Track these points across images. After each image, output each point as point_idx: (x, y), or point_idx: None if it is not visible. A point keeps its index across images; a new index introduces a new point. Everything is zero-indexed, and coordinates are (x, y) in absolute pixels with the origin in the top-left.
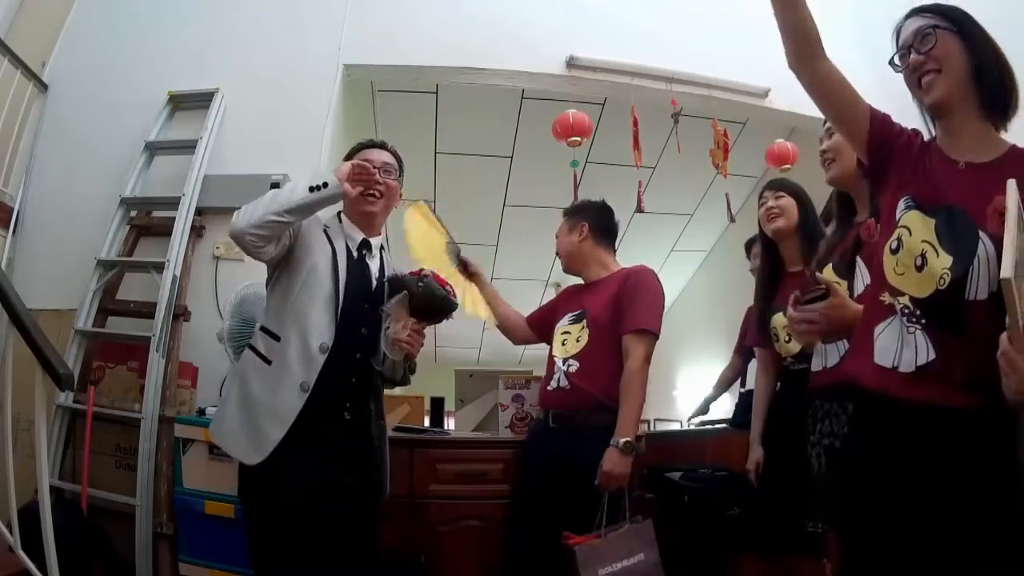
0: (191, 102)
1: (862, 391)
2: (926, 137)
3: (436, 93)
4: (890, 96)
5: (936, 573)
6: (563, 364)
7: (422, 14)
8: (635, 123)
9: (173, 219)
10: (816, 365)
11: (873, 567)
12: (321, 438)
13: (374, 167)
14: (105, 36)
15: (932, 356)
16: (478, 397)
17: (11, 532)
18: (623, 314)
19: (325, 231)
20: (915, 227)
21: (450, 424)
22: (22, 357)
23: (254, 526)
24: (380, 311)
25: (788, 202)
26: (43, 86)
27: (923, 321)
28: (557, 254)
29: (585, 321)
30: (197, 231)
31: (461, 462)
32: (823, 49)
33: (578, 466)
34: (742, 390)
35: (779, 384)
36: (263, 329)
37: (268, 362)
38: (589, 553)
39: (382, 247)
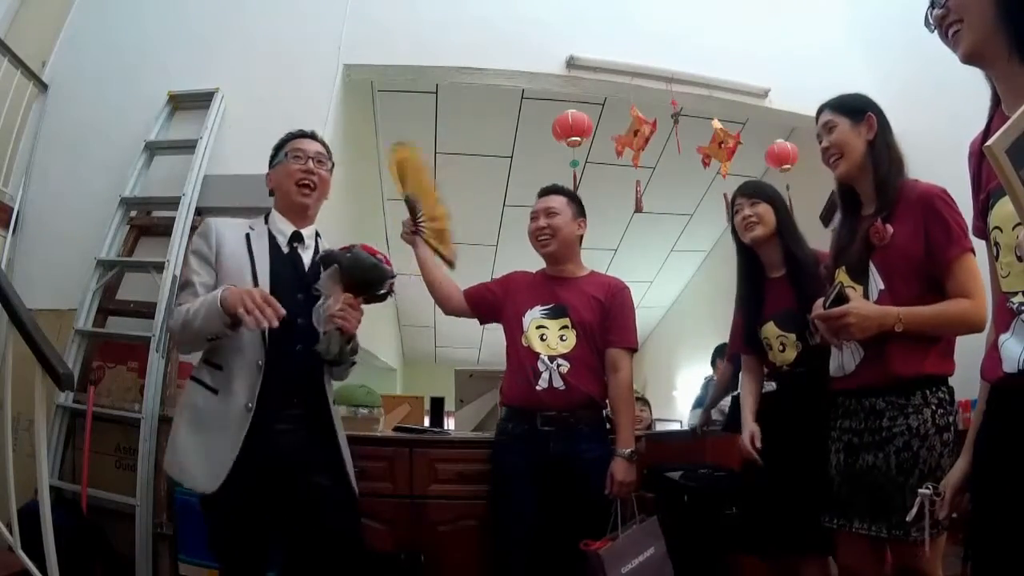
0: (191, 102)
1: (994, 388)
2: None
3: (436, 93)
4: (890, 95)
5: None
6: (551, 362)
7: (422, 14)
8: (642, 121)
9: (173, 219)
10: (835, 370)
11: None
12: (273, 450)
13: (307, 156)
14: (105, 36)
15: None
16: (478, 397)
17: (11, 532)
18: (613, 328)
19: (247, 237)
20: (1004, 219)
21: (450, 424)
22: (22, 357)
23: (221, 546)
24: (314, 290)
25: (764, 208)
26: (43, 86)
27: None
28: (549, 233)
29: (569, 320)
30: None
31: (461, 462)
32: None
33: (578, 466)
34: (734, 394)
35: (776, 385)
36: (205, 361)
37: (215, 391)
38: (611, 555)
39: (317, 234)
